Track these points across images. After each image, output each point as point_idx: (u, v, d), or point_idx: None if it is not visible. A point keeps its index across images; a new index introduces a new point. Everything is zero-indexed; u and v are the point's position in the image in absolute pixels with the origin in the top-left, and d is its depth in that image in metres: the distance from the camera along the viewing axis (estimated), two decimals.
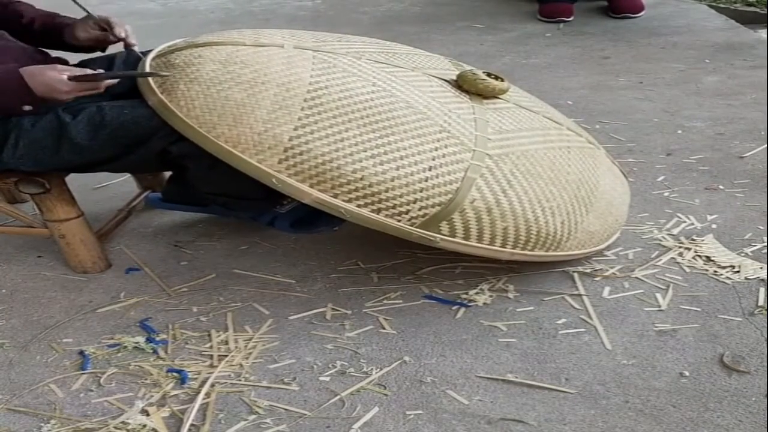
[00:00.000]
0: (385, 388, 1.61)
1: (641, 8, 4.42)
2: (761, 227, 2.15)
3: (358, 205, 1.73)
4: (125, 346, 1.76)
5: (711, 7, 4.60)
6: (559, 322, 1.79)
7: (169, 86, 1.82)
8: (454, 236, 1.77)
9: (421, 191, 1.74)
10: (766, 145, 2.66)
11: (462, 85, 2.02)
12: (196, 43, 1.93)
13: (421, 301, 1.89)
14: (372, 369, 1.66)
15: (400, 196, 1.73)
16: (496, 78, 2.03)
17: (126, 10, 5.14)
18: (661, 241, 2.10)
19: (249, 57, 1.86)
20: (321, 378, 1.64)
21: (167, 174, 2.27)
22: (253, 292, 1.97)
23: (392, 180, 1.74)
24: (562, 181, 1.92)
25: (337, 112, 1.78)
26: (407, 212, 1.74)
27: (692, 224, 2.18)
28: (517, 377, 1.62)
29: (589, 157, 2.08)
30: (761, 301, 1.82)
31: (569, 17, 4.38)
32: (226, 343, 1.77)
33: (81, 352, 1.76)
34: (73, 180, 2.07)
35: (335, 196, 1.72)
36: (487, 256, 1.84)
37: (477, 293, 1.90)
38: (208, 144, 1.75)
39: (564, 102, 3.16)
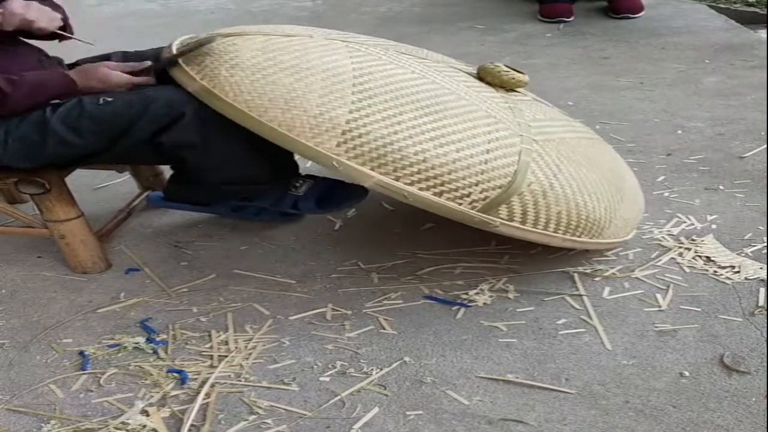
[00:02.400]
0: (385, 388, 1.61)
1: (641, 8, 4.42)
2: (761, 227, 2.15)
3: (421, 188, 1.71)
4: (125, 347, 1.76)
5: (711, 7, 4.60)
6: (559, 322, 1.79)
7: (209, 72, 1.81)
8: (512, 220, 1.76)
9: (482, 173, 1.72)
10: (766, 145, 2.66)
11: (484, 77, 2.02)
12: (223, 34, 1.92)
13: (422, 301, 1.89)
14: (372, 369, 1.66)
15: (463, 179, 1.71)
16: (516, 71, 2.05)
17: (126, 10, 5.14)
18: (661, 241, 2.10)
19: (285, 45, 1.85)
20: (321, 378, 1.64)
21: (168, 174, 2.27)
22: (254, 293, 1.96)
23: (454, 162, 1.71)
24: (599, 169, 1.93)
25: (388, 96, 1.76)
26: (469, 195, 1.72)
27: (692, 224, 2.18)
28: (517, 377, 1.62)
29: (607, 149, 2.11)
30: (761, 302, 1.82)
31: (569, 17, 4.38)
32: (226, 343, 1.77)
33: (81, 353, 1.75)
34: (73, 180, 2.07)
35: (397, 179, 1.70)
36: (540, 242, 1.83)
37: (477, 293, 1.90)
38: (261, 128, 1.73)
39: (564, 102, 3.16)
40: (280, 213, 2.15)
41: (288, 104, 1.73)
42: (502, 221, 1.75)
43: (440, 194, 1.71)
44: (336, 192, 2.09)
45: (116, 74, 1.93)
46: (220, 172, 1.97)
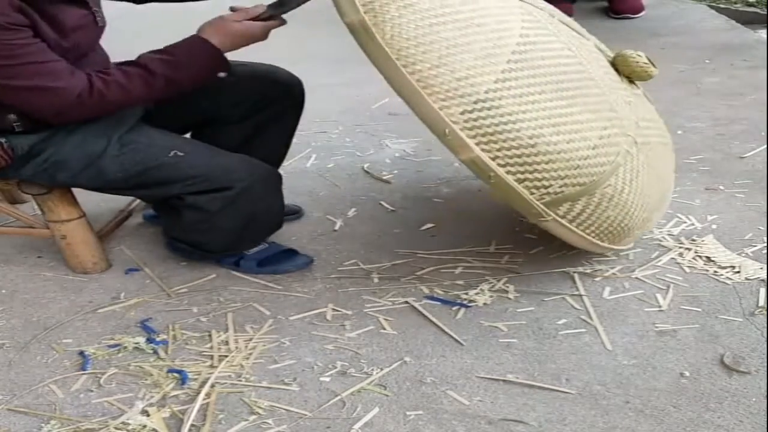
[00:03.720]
0: (385, 388, 1.61)
1: (641, 9, 4.42)
2: (761, 227, 2.15)
3: (508, 172, 1.63)
4: (125, 347, 1.76)
5: (711, 7, 4.60)
6: (560, 322, 1.79)
7: (377, 7, 1.61)
8: (564, 218, 1.72)
9: (576, 168, 1.67)
10: (766, 145, 2.66)
11: (616, 64, 1.98)
12: None
13: (422, 301, 1.89)
14: (372, 369, 1.66)
15: (555, 170, 1.65)
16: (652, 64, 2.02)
17: (125, 9, 5.12)
18: (661, 241, 2.10)
19: None
20: (321, 378, 1.64)
21: None
22: (254, 293, 1.96)
23: (559, 152, 1.65)
24: (661, 179, 1.93)
25: (537, 71, 1.68)
26: (548, 187, 1.67)
27: (692, 224, 2.18)
28: (517, 377, 1.62)
29: (673, 158, 2.14)
30: (761, 302, 1.82)
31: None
32: (227, 343, 1.77)
33: (81, 353, 1.76)
34: None
35: (494, 158, 1.62)
36: (568, 240, 1.79)
37: (477, 294, 1.90)
38: (398, 78, 1.60)
39: None
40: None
41: (441, 60, 1.59)
42: (556, 217, 1.71)
43: (521, 181, 1.65)
44: (282, 256, 2.07)
45: (252, 26, 1.84)
46: (192, 235, 2.00)
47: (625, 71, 1.98)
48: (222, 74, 1.86)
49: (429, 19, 1.63)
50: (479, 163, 1.62)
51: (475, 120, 1.61)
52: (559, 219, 1.73)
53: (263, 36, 1.86)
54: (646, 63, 1.97)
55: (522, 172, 1.65)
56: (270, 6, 1.87)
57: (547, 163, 1.65)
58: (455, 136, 1.60)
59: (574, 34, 1.96)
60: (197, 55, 1.82)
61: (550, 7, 1.99)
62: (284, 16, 1.89)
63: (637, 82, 2.06)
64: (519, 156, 1.63)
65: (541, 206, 1.69)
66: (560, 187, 1.68)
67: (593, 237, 1.80)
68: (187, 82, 1.84)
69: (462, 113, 1.60)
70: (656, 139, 1.98)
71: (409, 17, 1.62)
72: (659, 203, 1.97)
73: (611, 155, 1.74)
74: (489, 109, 1.61)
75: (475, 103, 1.60)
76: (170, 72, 1.80)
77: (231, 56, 1.89)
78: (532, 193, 1.67)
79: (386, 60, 1.60)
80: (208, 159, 1.91)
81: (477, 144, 1.61)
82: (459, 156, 1.63)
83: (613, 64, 1.99)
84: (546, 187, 1.67)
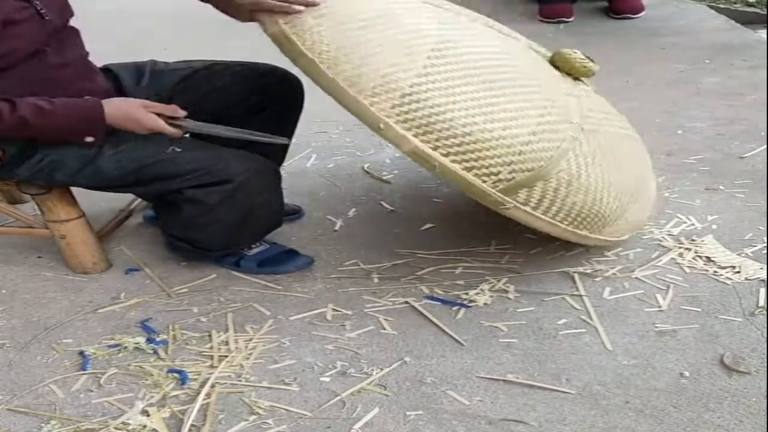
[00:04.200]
0: (385, 388, 1.61)
1: (641, 9, 4.42)
2: (761, 227, 2.15)
3: (453, 161, 1.69)
4: (126, 347, 1.76)
5: (711, 7, 4.61)
6: (560, 322, 1.79)
7: (294, 17, 1.73)
8: (526, 205, 1.76)
9: (519, 154, 1.72)
10: (766, 145, 2.67)
11: (556, 62, 2.04)
12: None
13: (422, 301, 1.89)
14: (372, 369, 1.66)
15: (498, 156, 1.71)
16: (590, 59, 2.08)
17: (121, 9, 5.14)
18: (661, 241, 2.10)
19: (377, 3, 1.82)
20: (321, 378, 1.64)
21: None
22: (254, 293, 1.97)
23: (497, 139, 1.71)
24: (628, 168, 1.96)
25: (459, 66, 1.75)
26: (497, 174, 1.71)
27: (692, 225, 2.18)
28: (517, 378, 1.62)
29: (644, 151, 2.16)
30: (761, 302, 1.82)
31: (570, 18, 4.38)
32: (227, 343, 1.77)
33: (81, 353, 1.76)
34: None
35: (435, 148, 1.69)
36: (541, 230, 1.81)
37: (477, 294, 1.90)
38: (324, 81, 1.70)
39: None
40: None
41: (363, 60, 1.69)
42: (517, 204, 1.75)
43: (469, 169, 1.70)
44: (282, 256, 2.07)
45: (151, 119, 1.84)
46: (189, 232, 1.99)
47: (565, 68, 2.04)
48: (90, 139, 1.84)
49: (345, 24, 1.73)
50: (420, 154, 1.69)
51: (406, 113, 1.69)
52: (521, 206, 1.76)
53: (153, 131, 1.85)
54: (582, 59, 2.03)
55: (467, 161, 1.70)
56: (188, 118, 1.89)
57: (488, 149, 1.70)
58: (390, 129, 1.68)
59: (501, 36, 2.03)
60: (76, 111, 1.82)
61: (474, 14, 2.06)
62: None
63: (584, 80, 2.11)
64: (459, 145, 1.69)
65: (498, 194, 1.73)
66: (509, 173, 1.72)
67: (567, 225, 1.82)
68: (45, 131, 1.81)
69: (392, 107, 1.68)
70: (615, 129, 2.02)
71: (327, 24, 1.72)
72: (634, 193, 1.97)
73: (556, 141, 1.78)
74: (417, 101, 1.69)
75: (402, 97, 1.69)
76: (33, 117, 1.77)
77: (232, 57, 1.89)
78: (483, 181, 1.72)
79: (310, 64, 1.70)
80: (206, 153, 1.91)
81: (414, 136, 1.68)
82: (401, 149, 1.71)
83: (553, 63, 2.05)
84: (495, 174, 1.71)
